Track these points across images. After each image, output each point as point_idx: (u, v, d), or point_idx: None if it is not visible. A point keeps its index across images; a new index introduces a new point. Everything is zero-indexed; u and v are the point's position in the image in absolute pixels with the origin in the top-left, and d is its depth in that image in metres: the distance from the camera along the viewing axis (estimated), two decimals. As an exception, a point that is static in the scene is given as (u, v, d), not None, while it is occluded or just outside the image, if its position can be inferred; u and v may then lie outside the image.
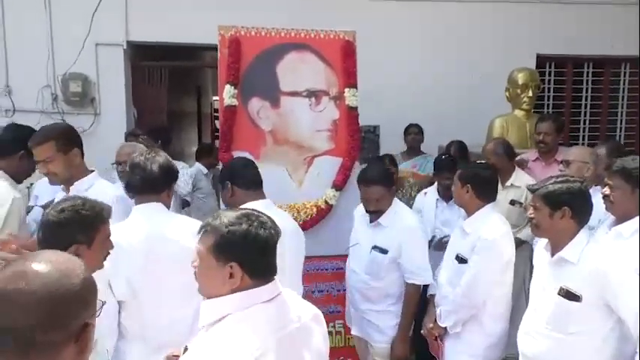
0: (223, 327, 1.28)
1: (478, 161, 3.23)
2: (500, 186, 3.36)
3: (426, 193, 3.64)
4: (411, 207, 3.35)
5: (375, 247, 2.75)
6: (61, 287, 0.89)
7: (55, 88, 4.71)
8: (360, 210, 2.91)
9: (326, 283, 3.31)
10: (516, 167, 3.53)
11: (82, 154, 2.38)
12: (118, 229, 1.83)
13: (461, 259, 2.58)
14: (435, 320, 2.66)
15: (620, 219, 2.24)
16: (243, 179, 2.42)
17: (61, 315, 0.89)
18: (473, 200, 2.62)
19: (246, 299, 1.30)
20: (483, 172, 2.67)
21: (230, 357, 1.21)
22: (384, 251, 2.72)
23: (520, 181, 3.41)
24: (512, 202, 3.39)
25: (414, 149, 4.56)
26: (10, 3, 4.61)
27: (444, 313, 2.61)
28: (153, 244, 1.95)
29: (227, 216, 1.33)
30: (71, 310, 0.90)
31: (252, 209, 1.41)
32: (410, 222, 2.77)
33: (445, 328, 2.61)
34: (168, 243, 1.97)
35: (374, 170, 2.82)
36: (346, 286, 3.01)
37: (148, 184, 2.02)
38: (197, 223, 2.11)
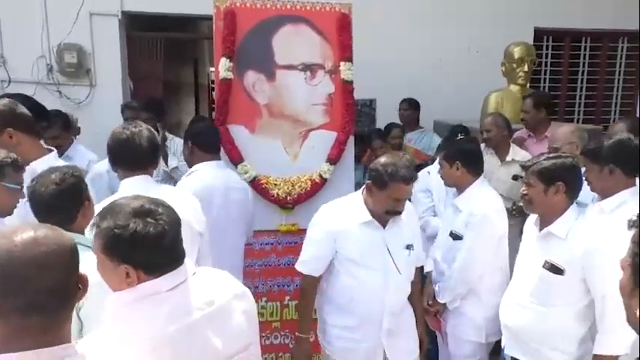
0: (115, 323, 1.25)
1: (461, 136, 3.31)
2: (498, 162, 3.40)
3: (429, 172, 3.50)
4: None
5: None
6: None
7: (49, 59, 4.63)
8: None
9: (320, 255, 3.35)
10: (511, 143, 3.54)
11: (32, 133, 2.29)
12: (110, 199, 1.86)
13: (455, 236, 2.62)
14: (434, 297, 2.70)
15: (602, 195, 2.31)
16: (203, 141, 2.68)
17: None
18: (464, 177, 2.63)
19: (137, 293, 1.24)
20: (469, 146, 2.72)
21: (120, 353, 1.18)
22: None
23: (519, 156, 3.43)
24: (515, 177, 3.41)
25: (409, 124, 4.55)
26: (2, -29, 4.50)
27: (441, 289, 2.65)
28: None
29: (117, 214, 1.25)
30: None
31: (153, 199, 1.34)
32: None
33: (444, 304, 2.66)
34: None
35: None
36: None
37: (137, 159, 2.03)
38: (186, 194, 2.18)
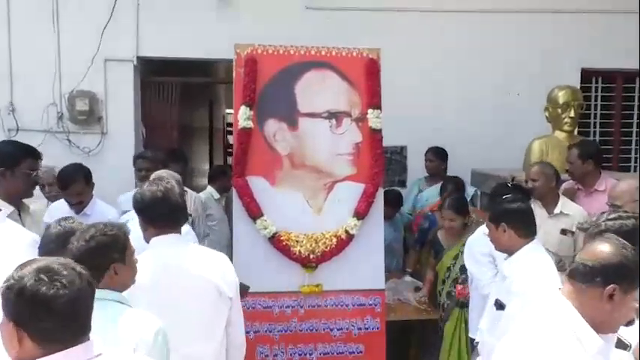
0: None
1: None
2: (545, 214, 3.42)
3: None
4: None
5: None
6: None
7: (60, 107, 4.92)
8: None
9: (346, 320, 3.39)
10: (560, 195, 3.58)
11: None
12: (145, 258, 2.00)
13: (499, 305, 2.61)
14: None
15: None
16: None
17: None
18: (513, 239, 2.60)
19: None
20: (517, 205, 2.68)
21: None
22: None
23: (569, 208, 3.46)
24: (564, 232, 3.43)
25: (435, 176, 4.66)
26: (16, 18, 4.86)
27: None
28: (174, 278, 2.09)
29: (25, 267, 1.27)
30: None
31: (67, 261, 1.34)
32: None
33: None
34: (191, 276, 2.12)
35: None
36: None
37: (172, 218, 2.16)
38: (217, 254, 2.28)
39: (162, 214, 2.14)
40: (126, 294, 1.87)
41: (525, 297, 2.46)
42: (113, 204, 3.78)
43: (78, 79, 4.86)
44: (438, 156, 4.70)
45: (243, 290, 2.81)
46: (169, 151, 4.45)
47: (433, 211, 4.25)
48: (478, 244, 3.18)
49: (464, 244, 3.45)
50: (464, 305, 3.48)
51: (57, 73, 4.87)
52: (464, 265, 3.41)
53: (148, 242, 2.17)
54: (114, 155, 4.89)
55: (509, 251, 2.65)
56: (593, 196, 3.58)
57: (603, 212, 2.30)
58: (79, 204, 3.44)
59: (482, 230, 3.03)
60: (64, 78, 4.88)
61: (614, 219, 2.15)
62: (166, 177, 2.62)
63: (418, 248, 4.24)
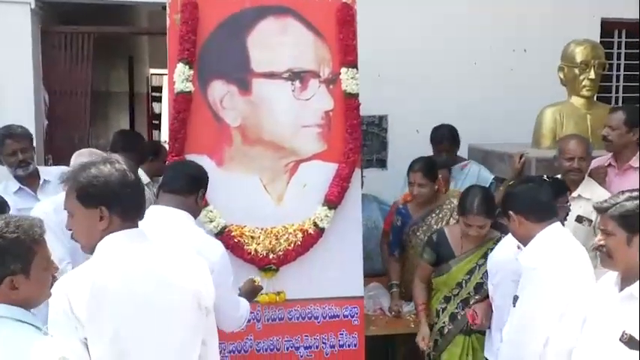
0: None
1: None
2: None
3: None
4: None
5: None
6: None
7: None
8: None
9: (316, 337, 3.42)
10: (586, 176, 3.67)
11: None
12: (97, 266, 1.94)
13: (515, 298, 2.76)
14: None
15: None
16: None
17: None
18: (525, 227, 2.76)
19: None
20: (521, 188, 2.88)
21: None
22: None
23: (590, 192, 3.55)
24: (580, 219, 3.52)
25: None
26: None
27: None
28: (146, 286, 2.03)
29: None
30: None
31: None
32: None
33: None
34: (169, 284, 2.08)
35: None
36: None
37: (138, 206, 2.11)
38: (189, 252, 2.26)
39: (134, 202, 2.08)
40: (84, 313, 1.85)
41: (541, 283, 2.57)
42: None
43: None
44: (454, 140, 4.54)
45: (255, 290, 3.02)
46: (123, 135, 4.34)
47: (407, 201, 4.08)
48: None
49: (482, 256, 3.42)
50: (471, 331, 3.46)
51: None
52: (480, 282, 3.42)
53: (96, 241, 2.08)
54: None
55: (525, 241, 2.78)
56: (627, 174, 3.67)
57: (624, 191, 2.39)
58: None
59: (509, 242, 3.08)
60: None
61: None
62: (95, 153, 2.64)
63: (397, 254, 4.09)
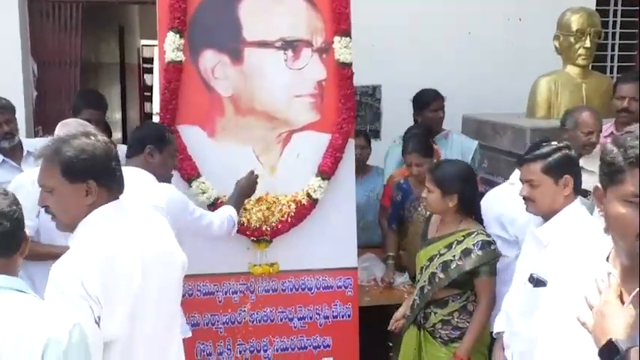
0: None
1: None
2: None
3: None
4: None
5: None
6: None
7: None
8: None
9: (309, 308, 3.44)
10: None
11: None
12: (100, 240, 1.93)
13: (537, 281, 2.58)
14: None
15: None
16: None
17: None
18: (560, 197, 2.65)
19: None
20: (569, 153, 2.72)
21: None
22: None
23: (593, 164, 3.52)
24: (584, 193, 3.51)
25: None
26: None
27: (517, 355, 2.66)
28: (147, 254, 2.06)
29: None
30: None
31: None
32: None
33: None
34: (163, 251, 2.14)
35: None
36: None
37: (120, 178, 2.10)
38: (161, 218, 2.30)
39: (118, 174, 2.06)
40: (99, 290, 1.85)
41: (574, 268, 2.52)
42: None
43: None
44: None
45: (252, 181, 3.24)
46: (83, 93, 4.25)
47: (407, 176, 3.98)
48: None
49: (446, 246, 3.09)
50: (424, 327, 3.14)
51: None
52: (434, 272, 3.08)
53: (80, 218, 2.06)
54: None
55: (548, 213, 2.67)
56: None
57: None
58: None
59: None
60: None
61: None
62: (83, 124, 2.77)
63: (395, 227, 4.03)
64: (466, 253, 2.97)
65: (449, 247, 3.04)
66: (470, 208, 3.10)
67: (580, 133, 3.51)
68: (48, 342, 1.65)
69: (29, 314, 1.70)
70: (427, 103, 4.32)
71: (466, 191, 3.03)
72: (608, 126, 3.88)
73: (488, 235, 3.06)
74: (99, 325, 1.88)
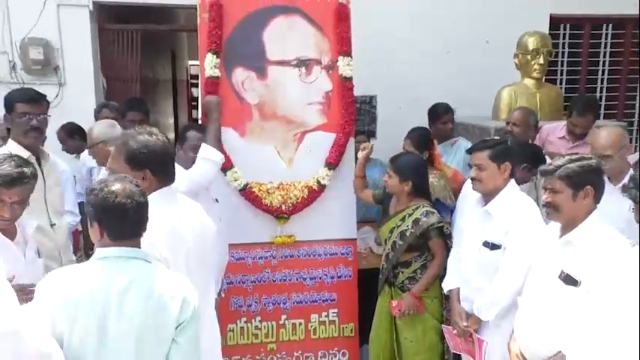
0: None
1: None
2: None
3: None
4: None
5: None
6: None
7: (12, 55, 4.68)
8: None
9: (319, 270, 3.44)
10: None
11: None
12: (164, 214, 1.95)
13: (493, 245, 2.64)
14: (468, 316, 2.75)
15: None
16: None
17: None
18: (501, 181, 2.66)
19: None
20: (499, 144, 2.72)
21: None
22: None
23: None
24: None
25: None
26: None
27: (484, 306, 2.66)
28: (194, 225, 2.14)
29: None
30: None
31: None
32: None
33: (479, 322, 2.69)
34: (204, 225, 2.20)
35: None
36: None
37: (173, 168, 2.09)
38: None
39: (170, 168, 2.06)
40: (167, 254, 1.93)
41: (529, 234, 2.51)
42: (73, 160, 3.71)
43: (30, 26, 4.60)
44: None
45: (211, 103, 3.09)
46: (129, 100, 4.26)
47: None
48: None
49: (402, 219, 3.12)
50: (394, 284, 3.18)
51: (6, 18, 4.59)
52: (395, 241, 3.13)
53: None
54: (73, 107, 4.69)
55: (493, 191, 2.67)
56: (580, 148, 3.56)
57: (564, 155, 2.36)
58: None
59: None
60: (14, 24, 4.60)
61: (579, 159, 2.22)
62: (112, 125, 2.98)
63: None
64: (416, 222, 3.05)
65: (403, 219, 3.11)
66: (421, 191, 3.16)
67: (506, 124, 3.60)
68: (183, 302, 1.71)
69: (161, 278, 1.73)
70: (439, 116, 4.15)
71: (418, 178, 3.12)
72: (560, 127, 3.85)
73: (432, 206, 3.14)
74: None
